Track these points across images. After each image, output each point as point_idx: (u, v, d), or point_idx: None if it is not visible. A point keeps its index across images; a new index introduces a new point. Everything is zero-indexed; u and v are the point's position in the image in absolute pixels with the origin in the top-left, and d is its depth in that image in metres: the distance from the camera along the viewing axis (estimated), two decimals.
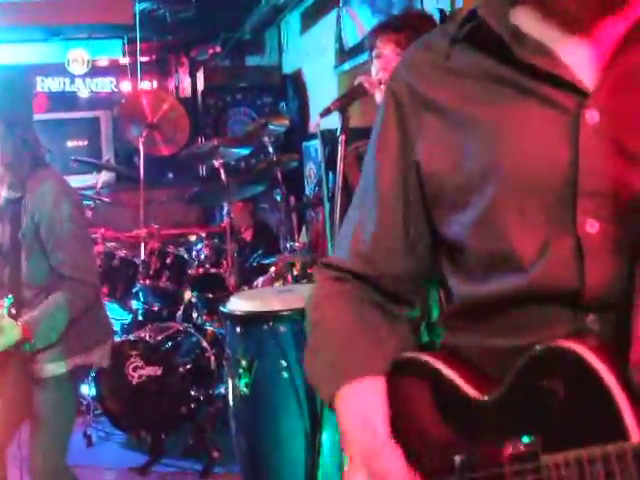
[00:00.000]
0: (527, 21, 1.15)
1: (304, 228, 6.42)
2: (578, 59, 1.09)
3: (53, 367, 3.04)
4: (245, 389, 3.18)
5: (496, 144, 1.12)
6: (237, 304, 3.32)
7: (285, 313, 3.15)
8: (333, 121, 2.92)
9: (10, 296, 2.85)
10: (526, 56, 1.10)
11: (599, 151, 1.04)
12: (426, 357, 1.20)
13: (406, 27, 2.87)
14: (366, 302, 1.32)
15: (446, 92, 1.20)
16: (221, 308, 3.47)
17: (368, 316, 1.31)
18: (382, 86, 2.84)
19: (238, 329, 3.24)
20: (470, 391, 1.12)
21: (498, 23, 1.13)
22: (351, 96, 2.88)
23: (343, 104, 2.83)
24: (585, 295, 1.05)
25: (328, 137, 3.45)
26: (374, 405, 1.22)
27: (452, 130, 1.18)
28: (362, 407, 1.22)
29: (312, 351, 1.33)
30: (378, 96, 2.87)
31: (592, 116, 1.04)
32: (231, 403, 3.38)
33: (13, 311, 2.83)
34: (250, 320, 3.22)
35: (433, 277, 1.33)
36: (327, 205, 3.04)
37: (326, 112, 2.88)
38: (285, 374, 3.09)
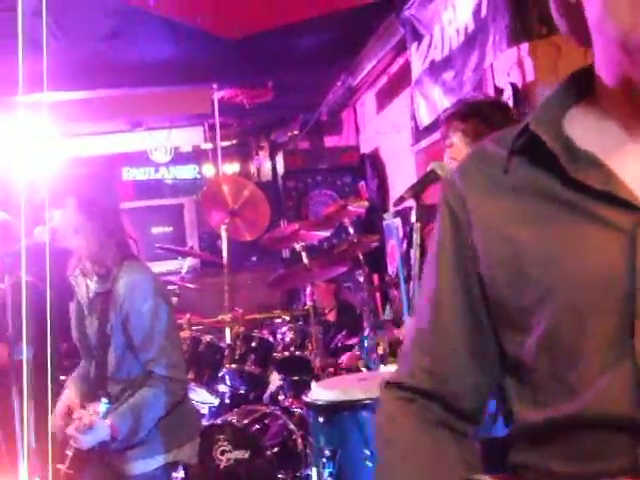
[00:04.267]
0: (581, 128, 1.13)
1: (387, 306, 6.40)
2: (635, 172, 1.07)
3: (142, 465, 3.02)
4: (330, 478, 3.15)
5: (551, 267, 1.09)
6: (319, 393, 3.32)
7: (367, 402, 3.12)
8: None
9: (106, 400, 2.87)
10: (579, 174, 1.07)
11: None
12: None
13: (473, 116, 2.87)
14: (433, 422, 1.29)
15: (500, 210, 1.18)
16: (303, 397, 3.46)
17: (436, 437, 1.28)
18: None
19: (321, 419, 3.22)
20: None
21: (551, 137, 1.11)
22: (424, 183, 2.87)
23: (416, 192, 2.83)
24: None
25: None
26: None
27: (504, 250, 1.16)
28: None
29: (384, 470, 1.32)
30: None
31: None
32: None
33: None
34: (332, 410, 3.21)
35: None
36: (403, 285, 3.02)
37: (400, 201, 2.89)
38: (369, 463, 3.06)
